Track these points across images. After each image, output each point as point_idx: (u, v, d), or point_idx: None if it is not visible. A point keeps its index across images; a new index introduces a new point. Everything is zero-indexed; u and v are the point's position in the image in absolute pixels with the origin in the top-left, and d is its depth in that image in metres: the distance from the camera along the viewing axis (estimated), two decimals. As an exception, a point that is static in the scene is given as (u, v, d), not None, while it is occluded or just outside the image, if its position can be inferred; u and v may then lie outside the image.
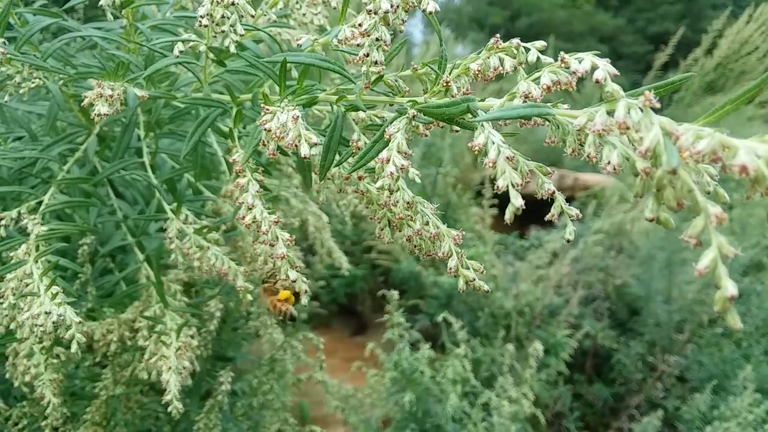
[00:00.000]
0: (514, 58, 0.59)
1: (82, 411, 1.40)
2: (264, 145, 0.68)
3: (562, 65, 0.52)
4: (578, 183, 6.46)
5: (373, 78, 0.68)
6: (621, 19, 15.59)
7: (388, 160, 0.57)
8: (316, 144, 0.55)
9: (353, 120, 0.82)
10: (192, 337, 1.13)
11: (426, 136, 0.71)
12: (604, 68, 0.48)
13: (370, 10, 0.61)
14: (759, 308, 4.00)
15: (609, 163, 0.46)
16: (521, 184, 0.48)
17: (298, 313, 1.06)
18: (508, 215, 0.49)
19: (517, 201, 0.47)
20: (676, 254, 4.22)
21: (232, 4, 0.70)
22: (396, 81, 0.73)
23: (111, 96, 0.79)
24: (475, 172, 6.15)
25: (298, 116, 0.56)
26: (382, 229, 0.74)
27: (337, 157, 0.73)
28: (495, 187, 0.49)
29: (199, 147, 1.03)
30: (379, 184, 0.57)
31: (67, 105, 1.33)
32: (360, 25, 0.71)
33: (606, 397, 4.01)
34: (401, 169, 0.57)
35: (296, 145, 0.56)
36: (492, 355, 3.95)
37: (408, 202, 0.64)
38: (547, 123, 0.55)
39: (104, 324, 1.20)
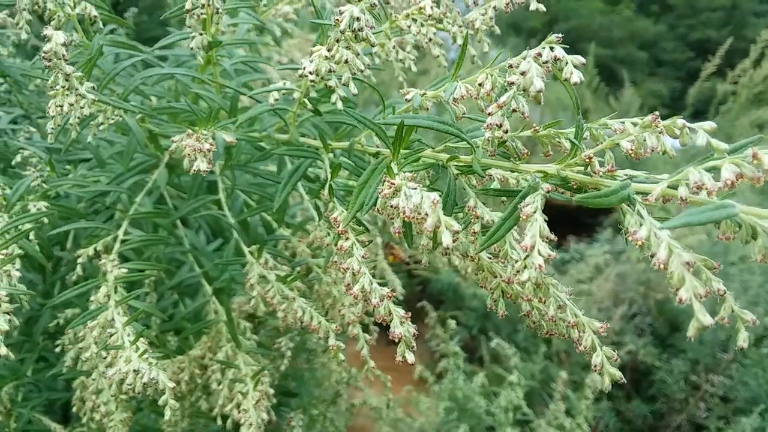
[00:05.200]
0: (676, 138, 0.53)
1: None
2: (378, 212, 0.64)
3: (755, 161, 0.45)
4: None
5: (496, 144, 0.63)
6: (662, 26, 15.23)
7: (533, 248, 0.52)
8: (458, 231, 0.50)
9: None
10: (266, 383, 1.09)
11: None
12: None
13: (512, 83, 0.56)
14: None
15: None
16: (706, 295, 0.43)
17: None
18: (693, 332, 0.43)
19: (705, 319, 0.42)
20: (721, 268, 4.09)
21: (346, 61, 0.65)
22: (513, 142, 0.68)
23: (209, 150, 0.75)
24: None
25: (437, 201, 0.51)
26: (495, 301, 0.69)
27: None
28: (677, 300, 0.43)
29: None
30: (524, 277, 0.52)
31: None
32: (481, 85, 0.66)
33: (645, 414, 3.92)
34: (548, 259, 0.52)
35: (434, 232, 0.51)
36: (532, 370, 3.87)
37: (536, 284, 0.59)
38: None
39: (175, 362, 1.17)
